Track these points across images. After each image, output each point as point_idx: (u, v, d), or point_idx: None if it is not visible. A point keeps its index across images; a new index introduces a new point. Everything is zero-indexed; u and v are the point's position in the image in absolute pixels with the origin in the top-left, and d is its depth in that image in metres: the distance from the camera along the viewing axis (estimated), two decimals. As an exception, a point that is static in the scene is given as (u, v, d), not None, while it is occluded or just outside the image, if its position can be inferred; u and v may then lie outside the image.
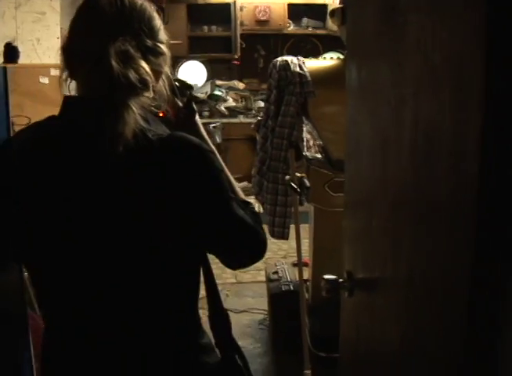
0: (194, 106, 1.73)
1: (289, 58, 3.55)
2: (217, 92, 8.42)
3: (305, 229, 4.03)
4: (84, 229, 1.41)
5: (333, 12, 3.55)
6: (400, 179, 1.40)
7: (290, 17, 8.31)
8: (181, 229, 1.42)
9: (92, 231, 1.41)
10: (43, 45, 4.88)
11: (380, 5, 1.50)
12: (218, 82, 8.60)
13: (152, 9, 1.47)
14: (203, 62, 8.69)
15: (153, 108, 1.47)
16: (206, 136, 1.69)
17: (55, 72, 4.99)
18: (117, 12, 1.40)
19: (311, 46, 8.51)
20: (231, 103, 8.42)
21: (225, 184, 1.48)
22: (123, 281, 1.45)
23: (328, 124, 3.60)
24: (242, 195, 1.63)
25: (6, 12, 4.48)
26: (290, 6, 8.22)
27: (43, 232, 1.44)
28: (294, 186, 3.20)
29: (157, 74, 1.47)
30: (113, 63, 1.31)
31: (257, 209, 1.73)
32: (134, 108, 1.34)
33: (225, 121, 8.09)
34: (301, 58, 3.60)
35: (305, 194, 3.34)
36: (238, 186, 1.64)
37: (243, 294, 5.20)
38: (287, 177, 3.30)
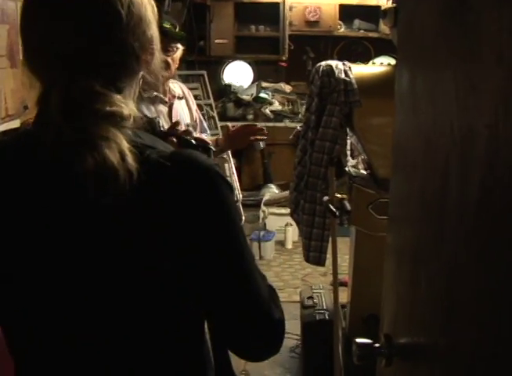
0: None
1: (334, 63, 3.19)
2: (262, 95, 8.17)
3: (346, 244, 3.68)
4: (69, 270, 1.17)
5: (385, 12, 3.17)
6: (465, 219, 1.02)
7: (341, 18, 8.02)
8: (178, 273, 1.17)
9: (78, 273, 1.17)
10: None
11: (442, 1, 1.13)
12: (264, 84, 8.37)
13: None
14: (249, 63, 8.48)
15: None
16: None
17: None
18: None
19: (362, 49, 8.23)
20: (277, 106, 8.17)
21: (242, 233, 1.21)
22: (116, 326, 1.21)
23: (375, 136, 3.23)
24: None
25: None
26: (342, 7, 7.92)
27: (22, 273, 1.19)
28: (333, 208, 2.83)
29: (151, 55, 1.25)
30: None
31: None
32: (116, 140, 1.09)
33: (270, 124, 7.81)
34: (348, 63, 3.23)
35: (345, 218, 2.98)
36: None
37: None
38: (326, 198, 2.93)
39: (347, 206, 2.87)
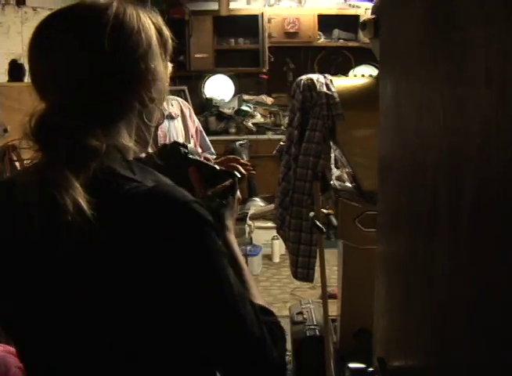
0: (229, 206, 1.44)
1: (314, 76, 3.15)
2: (244, 108, 8.14)
3: (333, 255, 3.63)
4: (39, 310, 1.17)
5: (365, 24, 3.14)
6: (456, 237, 0.98)
7: (320, 29, 8.04)
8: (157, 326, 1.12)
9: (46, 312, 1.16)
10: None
11: (425, 16, 1.10)
12: (246, 97, 8.35)
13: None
14: (230, 76, 8.46)
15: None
16: (235, 249, 1.37)
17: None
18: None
19: (342, 59, 8.24)
20: (259, 118, 8.15)
21: (225, 273, 1.13)
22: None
23: (359, 148, 3.20)
24: (260, 299, 1.27)
25: (12, 27, 4.15)
26: (320, 17, 7.94)
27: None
28: (319, 224, 2.78)
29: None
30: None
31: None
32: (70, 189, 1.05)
33: (252, 137, 7.82)
34: (328, 76, 3.19)
35: (333, 233, 2.94)
36: (256, 288, 1.31)
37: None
38: (312, 214, 2.89)
39: (334, 221, 2.82)
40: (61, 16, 1.18)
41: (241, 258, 1.34)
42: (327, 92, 3.06)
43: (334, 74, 3.27)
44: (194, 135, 3.53)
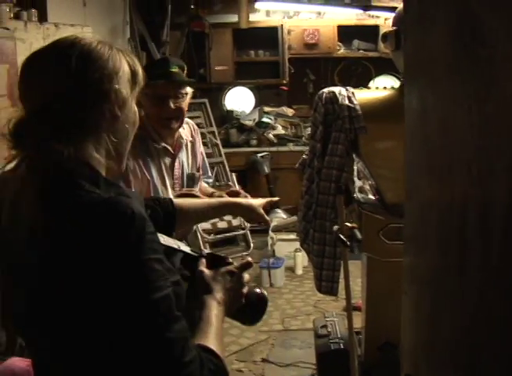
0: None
1: (336, 89, 3.14)
2: (265, 119, 8.13)
3: (357, 266, 3.62)
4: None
5: (386, 36, 3.13)
6: (488, 259, 0.97)
7: (339, 40, 8.01)
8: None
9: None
10: (73, 77, 4.57)
11: (451, 30, 1.08)
12: (266, 109, 8.34)
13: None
14: (250, 88, 8.47)
15: None
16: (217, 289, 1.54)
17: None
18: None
19: (362, 69, 8.20)
20: (280, 130, 8.13)
21: (150, 283, 1.24)
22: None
23: (382, 160, 3.18)
24: (213, 341, 1.41)
25: (34, 44, 4.17)
26: (340, 28, 7.91)
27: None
28: (343, 238, 2.77)
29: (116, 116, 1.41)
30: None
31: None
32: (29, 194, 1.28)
33: (273, 149, 7.80)
34: (350, 88, 3.18)
35: (356, 246, 2.92)
36: (220, 319, 1.49)
37: (290, 344, 4.74)
38: (336, 227, 2.87)
39: (358, 235, 2.80)
40: (45, 47, 1.42)
41: (213, 322, 1.45)
42: (349, 104, 3.05)
43: (355, 84, 3.24)
44: (200, 163, 3.42)
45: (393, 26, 3.14)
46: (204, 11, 7.77)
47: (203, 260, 1.63)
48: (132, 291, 1.22)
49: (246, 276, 1.66)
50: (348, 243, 2.80)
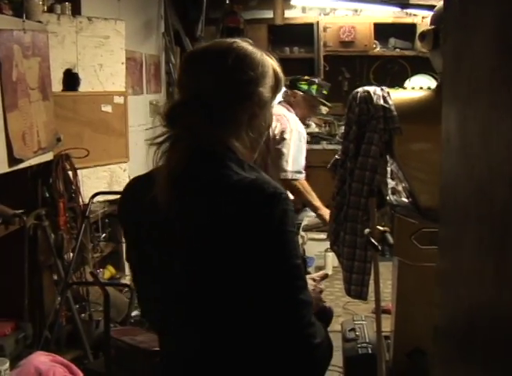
0: None
1: (371, 88, 3.06)
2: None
3: (387, 268, 3.54)
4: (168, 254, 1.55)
5: (424, 35, 3.05)
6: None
7: (376, 38, 7.90)
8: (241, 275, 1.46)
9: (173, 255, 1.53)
10: (106, 71, 4.54)
11: (496, 32, 1.01)
12: (300, 106, 8.23)
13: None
14: (285, 85, 8.35)
15: None
16: None
17: (118, 100, 4.68)
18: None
19: (398, 68, 8.09)
20: (314, 128, 8.05)
21: (292, 250, 1.46)
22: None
23: (416, 162, 3.10)
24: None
25: (66, 37, 4.17)
26: (376, 26, 7.81)
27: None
28: (375, 242, 2.70)
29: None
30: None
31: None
32: (179, 153, 1.50)
33: (306, 147, 7.70)
34: (386, 88, 3.10)
35: (388, 250, 2.85)
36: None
37: (317, 346, 4.69)
38: (367, 230, 2.80)
39: (390, 239, 2.73)
40: (206, 46, 1.62)
41: None
42: (384, 104, 2.98)
43: (390, 83, 3.18)
44: None
45: (431, 24, 3.06)
46: (239, 6, 7.72)
47: None
48: (279, 256, 1.44)
49: (322, 286, 1.93)
50: (380, 247, 2.72)
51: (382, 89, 3.09)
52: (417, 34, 7.35)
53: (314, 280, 1.87)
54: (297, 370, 1.49)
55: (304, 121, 4.86)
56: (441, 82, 1.40)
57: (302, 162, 4.50)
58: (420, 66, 7.47)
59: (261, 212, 1.42)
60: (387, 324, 3.53)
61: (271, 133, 4.29)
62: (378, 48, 7.98)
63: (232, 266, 1.44)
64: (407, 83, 7.79)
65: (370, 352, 3.42)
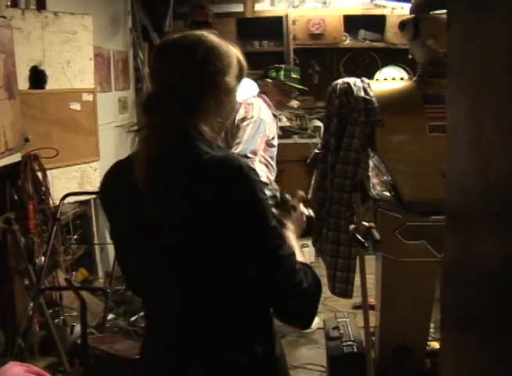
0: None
1: (351, 80, 2.98)
2: (302, 209, 7.91)
3: (369, 262, 3.45)
4: (148, 234, 1.67)
5: (404, 24, 2.97)
6: None
7: (345, 30, 7.79)
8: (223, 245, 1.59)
9: (153, 236, 1.66)
10: (74, 68, 4.37)
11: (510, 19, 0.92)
12: (271, 100, 8.14)
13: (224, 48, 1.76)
14: (254, 79, 8.26)
15: None
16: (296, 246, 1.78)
17: (87, 97, 4.54)
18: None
19: (368, 60, 8.01)
20: (285, 122, 7.92)
21: (265, 214, 1.59)
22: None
23: (398, 154, 3.03)
24: (298, 253, 1.71)
25: (32, 33, 4.00)
26: (346, 18, 7.69)
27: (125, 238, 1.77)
28: (360, 238, 2.61)
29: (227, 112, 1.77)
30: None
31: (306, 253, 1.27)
32: (155, 138, 1.61)
33: (278, 141, 7.62)
34: (366, 80, 3.02)
35: (371, 244, 2.76)
36: (297, 242, 1.82)
37: (298, 343, 4.60)
38: (352, 226, 2.71)
39: (376, 235, 2.64)
40: (176, 38, 1.75)
41: (295, 245, 1.77)
42: (365, 96, 2.90)
43: (361, 75, 3.07)
44: None
45: (411, 13, 2.99)
46: (208, 0, 7.59)
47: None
48: (257, 220, 1.58)
49: (301, 206, 2.07)
50: (366, 244, 2.64)
51: (362, 80, 3.02)
52: (386, 26, 7.35)
53: (295, 207, 2.03)
54: (291, 315, 1.69)
55: (281, 107, 5.14)
56: (448, 69, 1.28)
57: (251, 147, 4.54)
58: (390, 57, 7.44)
59: (232, 184, 1.56)
60: (371, 320, 3.44)
61: (236, 118, 4.62)
62: (348, 41, 7.90)
63: (212, 235, 1.57)
64: (377, 75, 7.73)
65: (356, 350, 3.33)
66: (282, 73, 4.96)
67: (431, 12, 2.86)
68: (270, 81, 4.96)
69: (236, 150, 4.49)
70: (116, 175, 1.77)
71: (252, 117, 4.66)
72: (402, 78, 3.21)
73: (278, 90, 4.99)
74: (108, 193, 1.81)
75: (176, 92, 1.65)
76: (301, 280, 1.61)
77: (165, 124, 1.61)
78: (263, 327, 1.71)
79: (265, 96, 4.95)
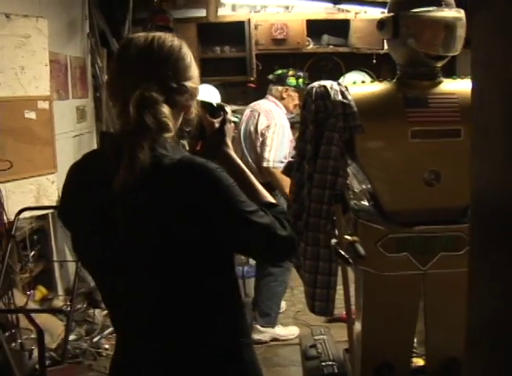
0: (226, 129, 2.04)
1: (328, 83, 2.80)
2: (232, 118, 7.75)
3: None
4: (115, 239, 1.64)
5: (382, 22, 2.80)
6: None
7: (308, 35, 7.67)
8: (204, 242, 1.62)
9: (122, 241, 1.64)
10: (28, 74, 4.13)
11: None
12: (234, 107, 7.96)
13: (179, 50, 1.71)
14: (216, 86, 8.07)
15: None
16: (238, 161, 1.93)
17: (43, 105, 4.30)
18: (144, 59, 1.67)
19: (332, 65, 7.93)
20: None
21: (237, 197, 1.64)
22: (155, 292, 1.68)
23: (379, 162, 2.85)
24: (266, 195, 1.85)
25: (-18, 37, 3.76)
26: (309, 23, 7.58)
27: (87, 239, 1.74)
28: (344, 254, 2.41)
29: (186, 108, 1.76)
30: (132, 109, 1.58)
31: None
32: (146, 147, 1.57)
33: (243, 148, 7.46)
34: (343, 83, 2.84)
35: (350, 258, 2.57)
36: (259, 186, 1.88)
37: (271, 361, 4.38)
38: (334, 241, 2.51)
39: (361, 250, 2.45)
40: (136, 42, 1.69)
41: (242, 166, 1.92)
42: (343, 100, 2.72)
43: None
44: None
45: (389, 12, 2.82)
46: (168, 5, 7.37)
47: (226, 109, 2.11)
48: (228, 212, 1.62)
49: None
50: (351, 260, 2.44)
51: (339, 83, 2.83)
52: (350, 30, 7.21)
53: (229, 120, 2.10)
54: (272, 260, 2.10)
55: (296, 110, 5.37)
56: (474, 61, 1.08)
57: (283, 153, 4.91)
58: (354, 62, 7.45)
59: (199, 184, 1.60)
60: (343, 333, 3.22)
61: (259, 127, 5.06)
62: (311, 46, 7.77)
63: (184, 233, 1.59)
64: (341, 80, 7.59)
65: (336, 371, 3.14)
66: (301, 81, 5.44)
67: (412, 11, 2.69)
68: (291, 88, 5.42)
69: (270, 157, 4.87)
70: (77, 180, 1.75)
71: (276, 124, 5.04)
72: (380, 80, 3.00)
73: (298, 96, 5.38)
74: (71, 199, 1.76)
75: (144, 93, 1.63)
76: (277, 231, 1.67)
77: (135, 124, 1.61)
78: (231, 322, 1.77)
79: (276, 101, 5.40)
